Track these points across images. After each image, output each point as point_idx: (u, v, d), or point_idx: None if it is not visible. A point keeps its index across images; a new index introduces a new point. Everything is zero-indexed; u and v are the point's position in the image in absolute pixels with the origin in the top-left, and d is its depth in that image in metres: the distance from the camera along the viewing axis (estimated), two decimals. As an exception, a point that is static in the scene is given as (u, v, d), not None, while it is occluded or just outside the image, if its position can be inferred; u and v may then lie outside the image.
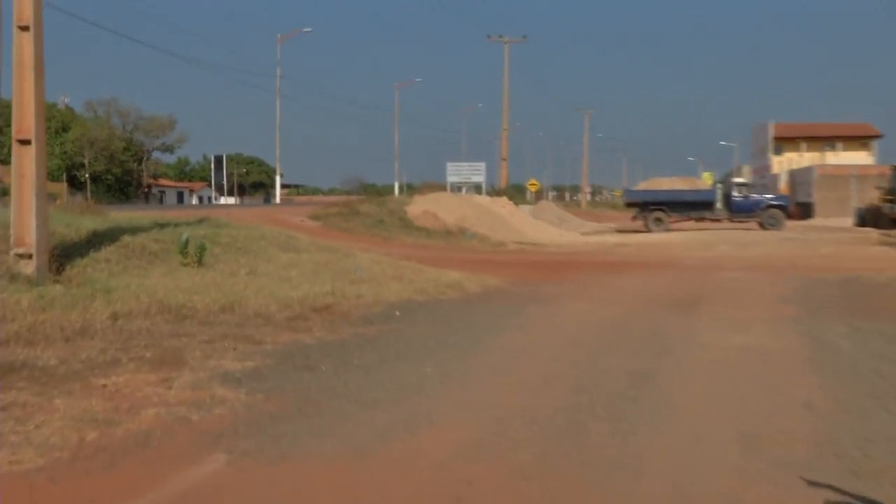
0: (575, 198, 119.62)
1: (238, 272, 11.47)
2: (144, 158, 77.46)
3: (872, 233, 30.75)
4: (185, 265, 11.27)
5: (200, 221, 15.46)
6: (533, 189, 74.78)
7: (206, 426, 5.02)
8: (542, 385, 6.24)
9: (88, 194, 55.95)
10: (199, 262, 11.41)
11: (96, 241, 11.08)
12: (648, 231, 37.10)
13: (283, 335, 7.94)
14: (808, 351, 7.80)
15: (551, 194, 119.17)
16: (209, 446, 4.65)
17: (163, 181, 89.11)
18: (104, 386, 5.83)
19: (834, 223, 42.73)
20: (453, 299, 11.38)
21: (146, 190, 78.81)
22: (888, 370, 6.90)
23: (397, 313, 9.68)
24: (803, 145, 71.49)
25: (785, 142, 72.40)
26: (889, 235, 28.60)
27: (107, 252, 10.75)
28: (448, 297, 11.49)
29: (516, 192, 61.56)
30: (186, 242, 11.59)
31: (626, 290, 13.49)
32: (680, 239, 30.72)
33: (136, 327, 7.67)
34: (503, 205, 35.66)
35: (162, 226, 13.48)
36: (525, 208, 46.14)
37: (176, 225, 13.91)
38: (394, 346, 7.67)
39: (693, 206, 37.44)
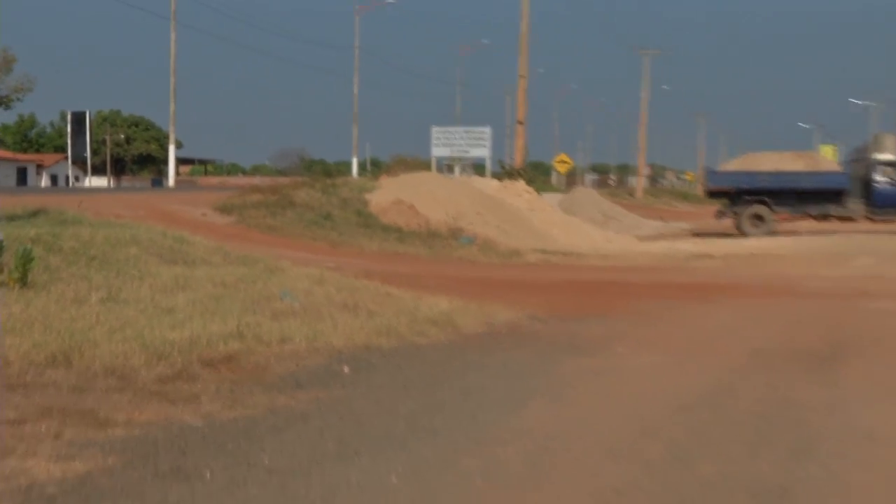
0: (622, 183, 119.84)
1: (87, 298, 11.42)
2: (-35, 117, 77.01)
3: None
4: (0, 286, 11.24)
5: (34, 215, 15.64)
6: (562, 170, 75.00)
7: None
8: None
9: None
10: (23, 282, 11.36)
11: None
12: (743, 234, 38.04)
13: (147, 409, 7.72)
14: None
15: (590, 178, 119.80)
16: None
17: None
18: None
19: None
20: (440, 345, 11.46)
21: (-32, 165, 78.30)
22: None
23: (346, 369, 9.63)
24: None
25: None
26: None
27: None
28: (431, 341, 11.58)
29: (538, 174, 61.25)
30: (0, 248, 11.39)
31: (717, 331, 13.69)
32: (794, 247, 31.13)
33: None
34: (519, 192, 36.04)
35: (-34, 221, 13.49)
36: (552, 198, 45.97)
37: (-9, 220, 13.93)
38: (336, 431, 7.51)
39: (812, 197, 38.25)
